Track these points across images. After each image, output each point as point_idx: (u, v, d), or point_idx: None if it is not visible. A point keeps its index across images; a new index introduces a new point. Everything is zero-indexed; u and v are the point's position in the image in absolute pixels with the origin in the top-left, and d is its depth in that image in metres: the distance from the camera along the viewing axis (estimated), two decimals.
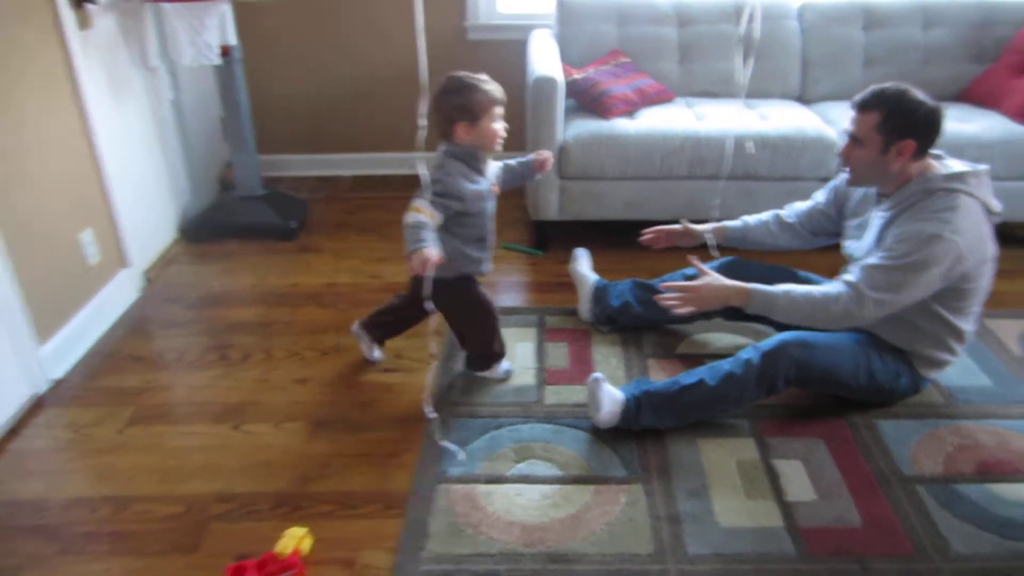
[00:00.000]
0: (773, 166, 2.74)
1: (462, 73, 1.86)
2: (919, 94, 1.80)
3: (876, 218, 1.92)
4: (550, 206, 2.84)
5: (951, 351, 1.98)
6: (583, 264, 2.52)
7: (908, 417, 2.04)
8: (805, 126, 2.76)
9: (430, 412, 1.99)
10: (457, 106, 1.83)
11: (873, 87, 1.84)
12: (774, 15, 3.12)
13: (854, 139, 1.85)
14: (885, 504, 1.76)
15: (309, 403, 2.10)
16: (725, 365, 1.95)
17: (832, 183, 2.18)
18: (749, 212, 2.80)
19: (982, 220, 1.81)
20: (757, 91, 3.14)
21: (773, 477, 1.84)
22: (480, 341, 2.12)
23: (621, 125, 2.77)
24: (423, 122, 1.69)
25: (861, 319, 1.83)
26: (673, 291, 1.95)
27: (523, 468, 1.86)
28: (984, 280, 1.89)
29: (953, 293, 1.86)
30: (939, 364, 2.01)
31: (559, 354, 2.29)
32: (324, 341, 2.37)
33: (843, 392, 2.01)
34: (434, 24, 3.18)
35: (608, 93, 2.85)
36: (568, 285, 2.61)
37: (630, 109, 2.88)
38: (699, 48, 3.12)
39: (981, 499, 1.78)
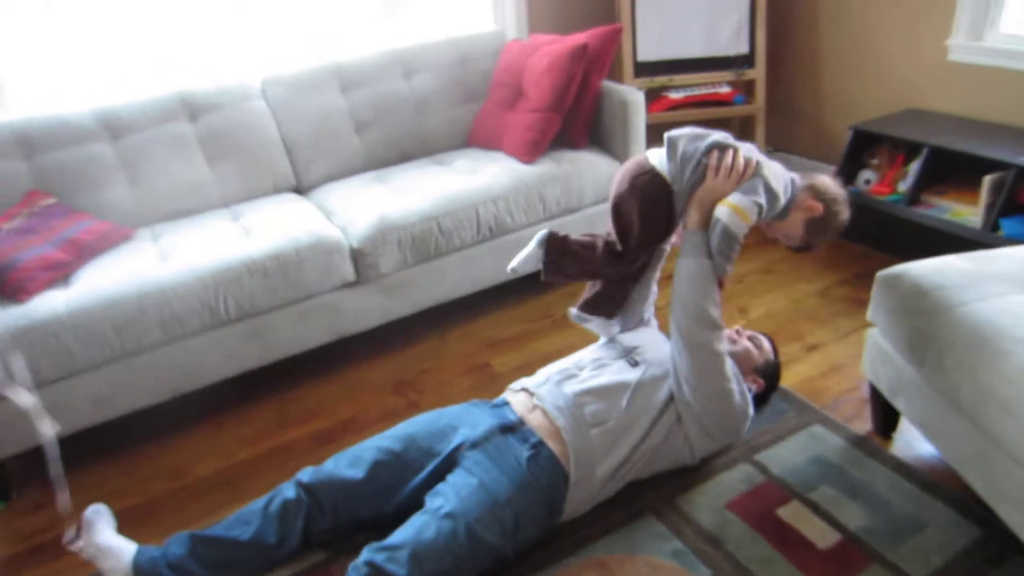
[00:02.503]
0: (274, 294, 2.13)
1: None
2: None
3: None
4: None
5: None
6: (103, 531, 1.64)
7: None
8: (297, 234, 2.19)
9: None
10: None
11: None
12: (235, 99, 2.52)
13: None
14: None
15: None
16: None
17: None
18: (261, 355, 2.19)
19: None
20: (247, 192, 2.52)
21: None
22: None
23: (46, 305, 1.92)
24: None
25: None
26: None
27: None
28: None
29: None
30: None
31: None
32: None
33: None
34: None
35: (15, 265, 1.98)
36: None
37: (60, 274, 2.04)
38: (149, 161, 2.39)
39: None
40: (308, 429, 2.18)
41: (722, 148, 1.67)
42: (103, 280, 2.01)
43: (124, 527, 1.72)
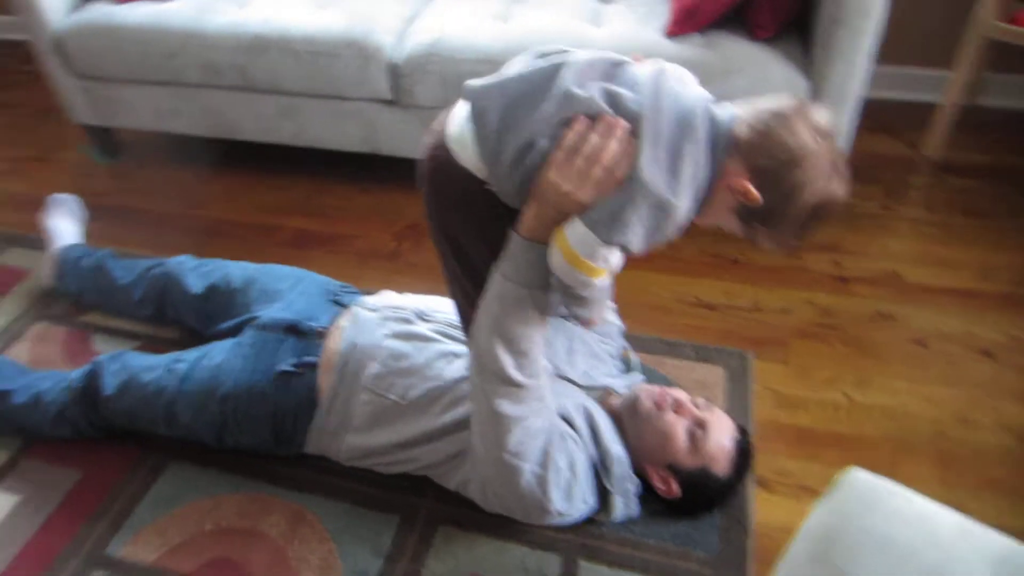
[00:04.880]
0: (302, 79, 1.99)
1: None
2: None
3: None
4: (79, 107, 2.26)
5: None
6: (54, 216, 1.91)
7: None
8: (347, 26, 1.94)
9: None
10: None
11: None
12: None
13: None
14: None
15: None
16: (47, 381, 1.50)
17: None
18: (295, 135, 2.16)
19: None
20: None
21: None
22: None
23: (128, 13, 2.08)
24: None
25: None
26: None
27: None
28: None
29: None
30: None
31: None
32: None
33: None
34: None
35: None
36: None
37: None
38: None
39: None
40: (302, 225, 2.14)
41: (593, 116, 0.92)
42: (174, 6, 2.08)
43: (115, 221, 2.10)
